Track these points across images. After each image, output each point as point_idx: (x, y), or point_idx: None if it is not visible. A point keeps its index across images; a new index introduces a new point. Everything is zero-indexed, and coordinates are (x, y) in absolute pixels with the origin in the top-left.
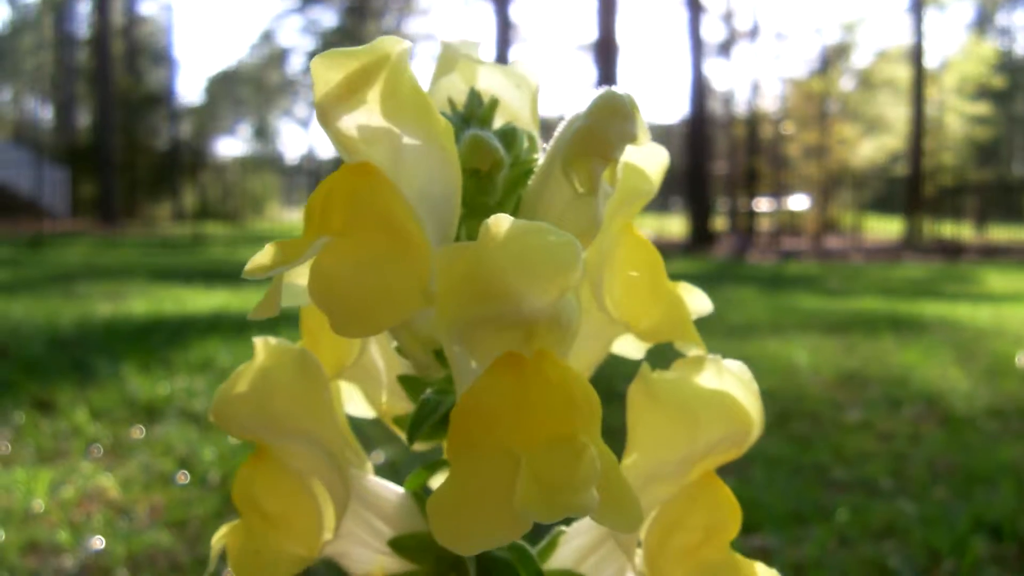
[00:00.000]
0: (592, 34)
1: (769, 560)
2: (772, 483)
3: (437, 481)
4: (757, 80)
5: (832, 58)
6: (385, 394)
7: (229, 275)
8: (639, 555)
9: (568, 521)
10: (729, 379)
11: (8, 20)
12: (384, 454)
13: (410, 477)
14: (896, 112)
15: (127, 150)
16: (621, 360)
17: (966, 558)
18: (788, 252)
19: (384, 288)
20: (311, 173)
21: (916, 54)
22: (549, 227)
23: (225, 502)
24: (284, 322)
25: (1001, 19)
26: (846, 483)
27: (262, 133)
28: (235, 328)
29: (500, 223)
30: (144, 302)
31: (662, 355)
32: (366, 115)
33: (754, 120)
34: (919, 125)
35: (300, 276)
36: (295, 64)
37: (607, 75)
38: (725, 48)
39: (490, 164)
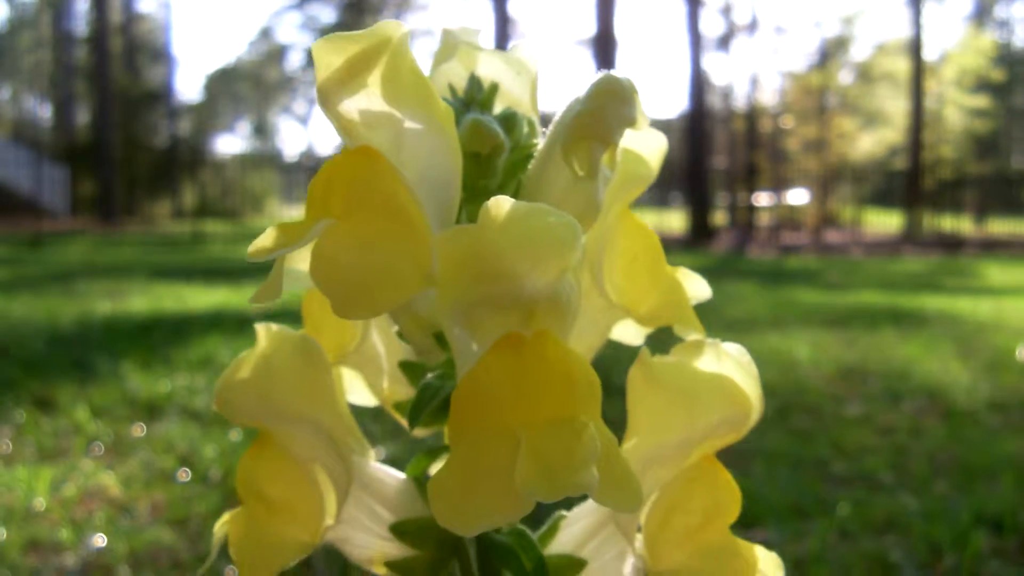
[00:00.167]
0: (591, 29)
1: None
2: (773, 477)
3: (438, 468)
4: (756, 74)
5: (831, 51)
6: (386, 380)
7: (229, 272)
8: (639, 539)
9: (569, 506)
10: (728, 363)
11: (6, 18)
12: (385, 450)
13: (411, 463)
14: (895, 105)
15: (126, 148)
16: (618, 353)
17: (967, 552)
18: (788, 246)
19: (385, 270)
20: (311, 170)
21: (915, 47)
22: (548, 208)
23: (226, 499)
24: (284, 318)
25: (1000, 11)
26: (847, 477)
27: (261, 130)
28: (235, 325)
29: (500, 204)
30: (144, 300)
31: (661, 342)
32: (367, 99)
33: (753, 114)
34: (918, 118)
35: (301, 261)
36: (294, 61)
37: (606, 70)
38: (724, 42)
39: (490, 148)
